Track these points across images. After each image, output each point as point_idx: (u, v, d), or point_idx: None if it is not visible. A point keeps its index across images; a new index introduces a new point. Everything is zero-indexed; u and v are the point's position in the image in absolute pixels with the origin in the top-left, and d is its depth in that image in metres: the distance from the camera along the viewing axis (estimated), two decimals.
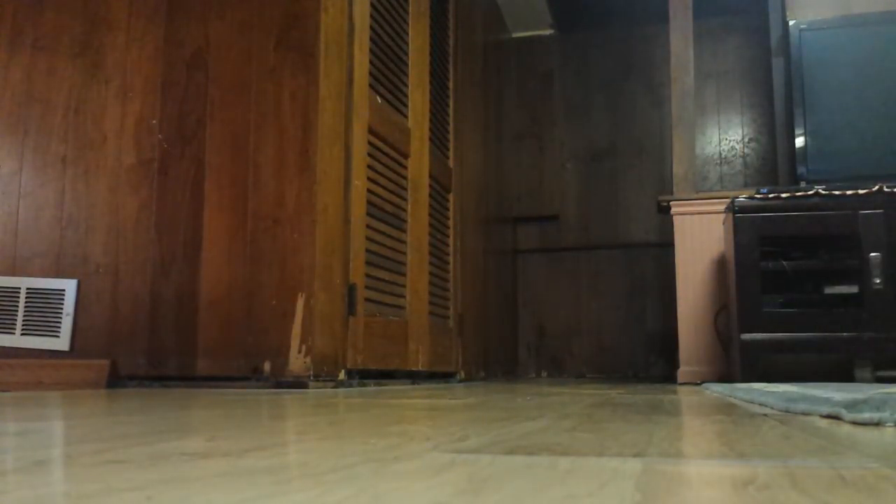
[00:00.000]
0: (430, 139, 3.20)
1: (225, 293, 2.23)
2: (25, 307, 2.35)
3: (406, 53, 2.97)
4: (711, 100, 4.90)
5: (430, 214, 3.17)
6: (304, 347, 2.15)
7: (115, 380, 2.23)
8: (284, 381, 2.15)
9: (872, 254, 2.94)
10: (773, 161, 4.53)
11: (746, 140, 4.85)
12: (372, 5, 2.61)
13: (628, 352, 4.87)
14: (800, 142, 3.62)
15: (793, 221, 3.00)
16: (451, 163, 3.53)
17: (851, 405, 0.96)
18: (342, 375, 2.30)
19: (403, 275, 2.83)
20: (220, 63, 2.34)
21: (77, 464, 0.52)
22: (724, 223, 3.43)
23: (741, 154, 4.84)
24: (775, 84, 3.98)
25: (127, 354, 2.27)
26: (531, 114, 5.19)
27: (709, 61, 4.90)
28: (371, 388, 2.29)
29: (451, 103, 3.57)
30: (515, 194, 5.07)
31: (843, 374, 3.22)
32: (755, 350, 2.96)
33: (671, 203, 3.57)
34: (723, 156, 4.86)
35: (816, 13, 3.82)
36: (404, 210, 2.86)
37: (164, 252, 2.31)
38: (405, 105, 2.92)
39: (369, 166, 2.54)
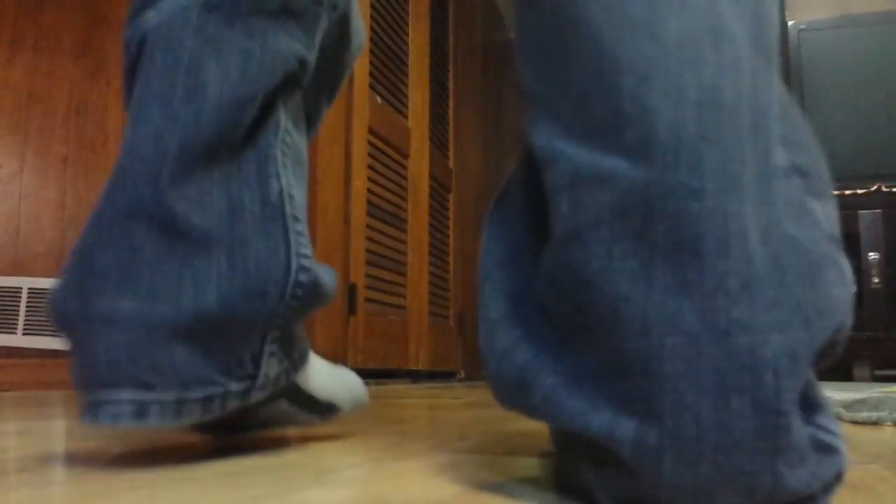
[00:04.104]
0: (430, 139, 3.20)
1: None
2: (27, 307, 2.36)
3: (406, 53, 2.97)
4: None
5: (430, 214, 3.18)
6: None
7: None
8: None
9: (871, 253, 2.95)
10: None
11: None
12: (371, 6, 2.61)
13: None
14: None
15: None
16: (451, 163, 3.53)
17: (850, 404, 0.96)
18: None
19: (403, 275, 2.83)
20: None
21: (78, 463, 0.52)
22: None
23: None
24: None
25: None
26: None
27: None
28: (371, 388, 2.29)
29: (450, 103, 3.57)
30: None
31: (841, 373, 3.22)
32: None
33: None
34: None
35: (815, 13, 3.82)
36: (404, 210, 2.86)
37: None
38: (405, 105, 2.92)
39: (369, 166, 2.55)
